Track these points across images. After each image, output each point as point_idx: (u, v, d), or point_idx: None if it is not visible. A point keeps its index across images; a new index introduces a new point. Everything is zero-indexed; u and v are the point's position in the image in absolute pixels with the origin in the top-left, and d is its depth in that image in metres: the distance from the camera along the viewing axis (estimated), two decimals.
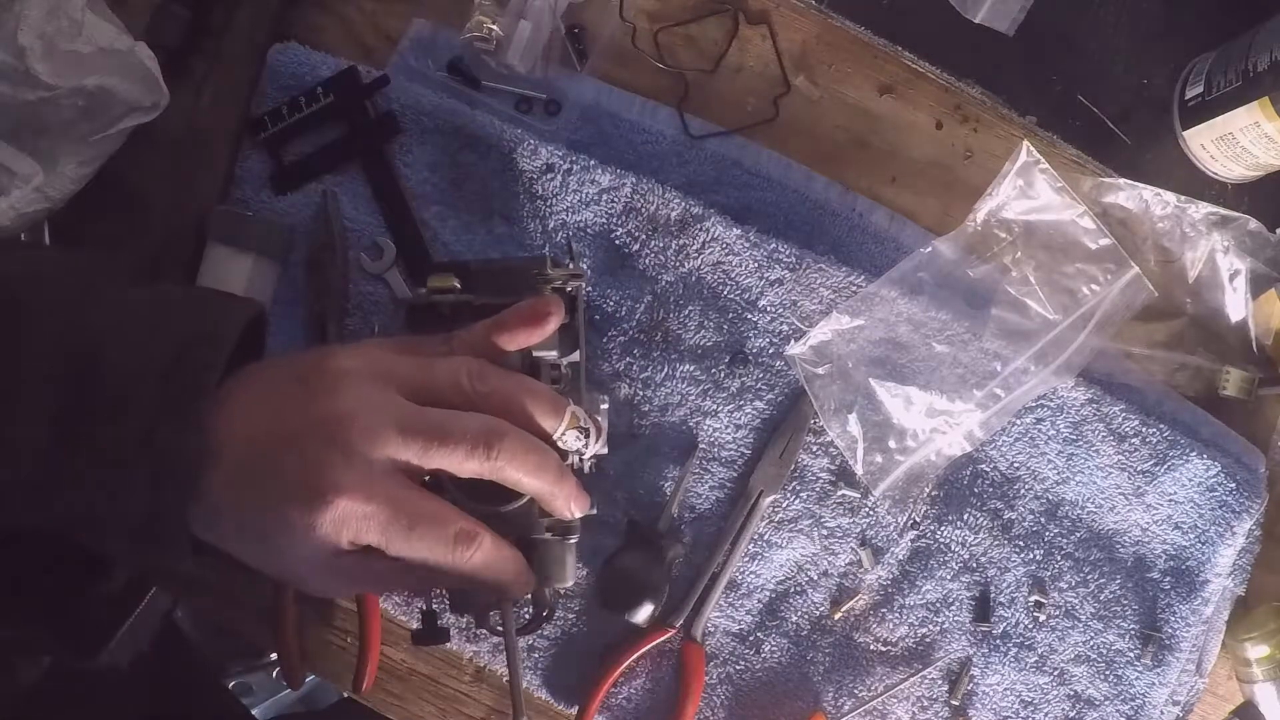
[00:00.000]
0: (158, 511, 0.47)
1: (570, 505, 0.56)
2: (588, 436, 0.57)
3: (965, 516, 0.71)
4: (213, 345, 0.49)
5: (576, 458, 0.58)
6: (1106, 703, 0.71)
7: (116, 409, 0.47)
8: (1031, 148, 0.71)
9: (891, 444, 0.69)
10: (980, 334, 0.70)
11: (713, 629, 0.70)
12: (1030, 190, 0.72)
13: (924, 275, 0.70)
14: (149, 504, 0.47)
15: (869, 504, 0.70)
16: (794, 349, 0.70)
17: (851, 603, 0.70)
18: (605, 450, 0.62)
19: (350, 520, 0.48)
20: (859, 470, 0.69)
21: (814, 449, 0.70)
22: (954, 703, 0.70)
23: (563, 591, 0.69)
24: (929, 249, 0.71)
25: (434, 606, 0.66)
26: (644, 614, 0.68)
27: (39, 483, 0.46)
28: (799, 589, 0.70)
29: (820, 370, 0.69)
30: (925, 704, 0.70)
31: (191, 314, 0.51)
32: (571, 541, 0.59)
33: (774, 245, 0.70)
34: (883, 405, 0.70)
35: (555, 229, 0.70)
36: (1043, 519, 0.71)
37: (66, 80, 0.61)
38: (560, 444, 0.56)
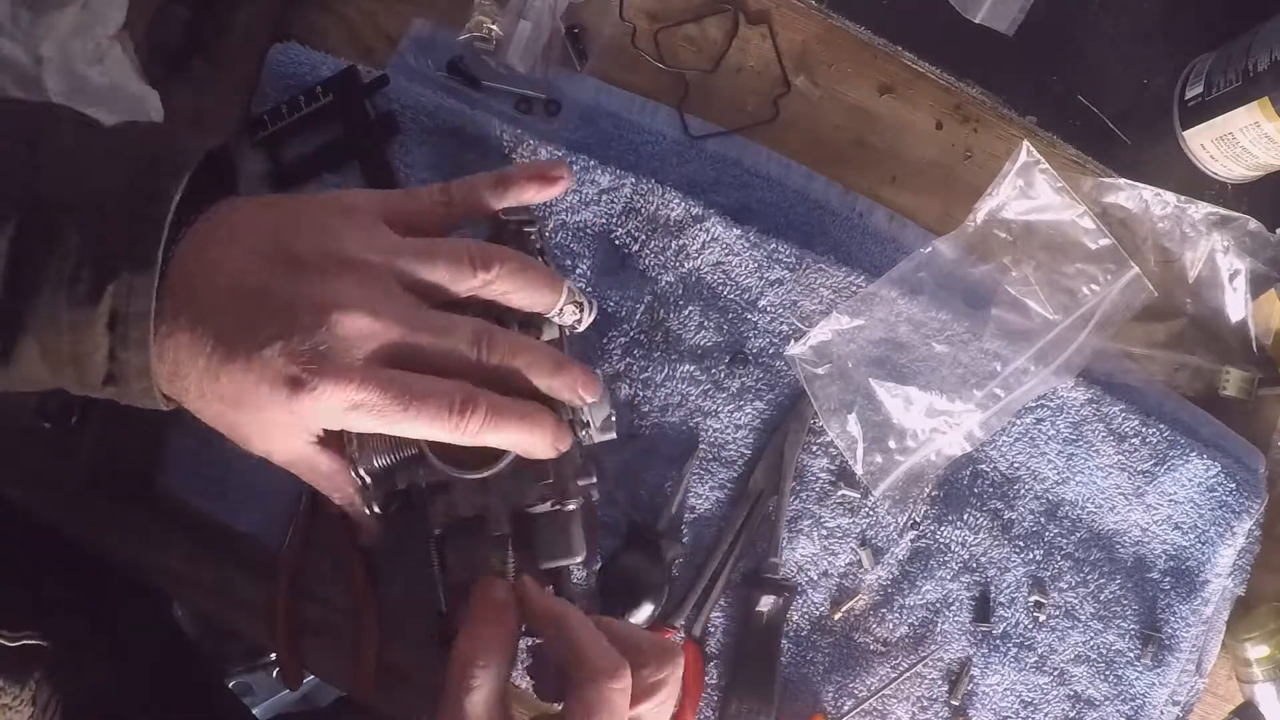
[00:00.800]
0: (114, 352, 0.46)
1: (577, 388, 0.54)
2: (581, 310, 0.56)
3: (965, 516, 0.71)
4: (167, 172, 0.47)
5: (571, 330, 0.57)
6: (1106, 703, 0.71)
7: (60, 239, 0.45)
8: (1031, 148, 0.71)
9: (891, 444, 0.69)
10: (980, 334, 0.70)
11: (713, 629, 0.70)
12: (1030, 190, 0.72)
13: (924, 275, 0.70)
14: (107, 343, 0.46)
15: (869, 504, 0.70)
16: (794, 349, 0.70)
17: (851, 603, 0.70)
18: (614, 435, 0.57)
19: (363, 334, 0.48)
20: (859, 470, 0.69)
21: (814, 449, 0.70)
22: (954, 703, 0.70)
23: (573, 571, 0.63)
24: (929, 249, 0.71)
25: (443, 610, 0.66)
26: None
27: None
28: (799, 589, 0.70)
29: (820, 370, 0.69)
30: (925, 704, 0.70)
31: (144, 145, 0.49)
32: (571, 508, 0.55)
33: (774, 245, 0.70)
34: (883, 405, 0.70)
35: (555, 229, 0.70)
36: (1043, 519, 0.71)
37: (72, 101, 0.60)
38: (557, 320, 0.55)
